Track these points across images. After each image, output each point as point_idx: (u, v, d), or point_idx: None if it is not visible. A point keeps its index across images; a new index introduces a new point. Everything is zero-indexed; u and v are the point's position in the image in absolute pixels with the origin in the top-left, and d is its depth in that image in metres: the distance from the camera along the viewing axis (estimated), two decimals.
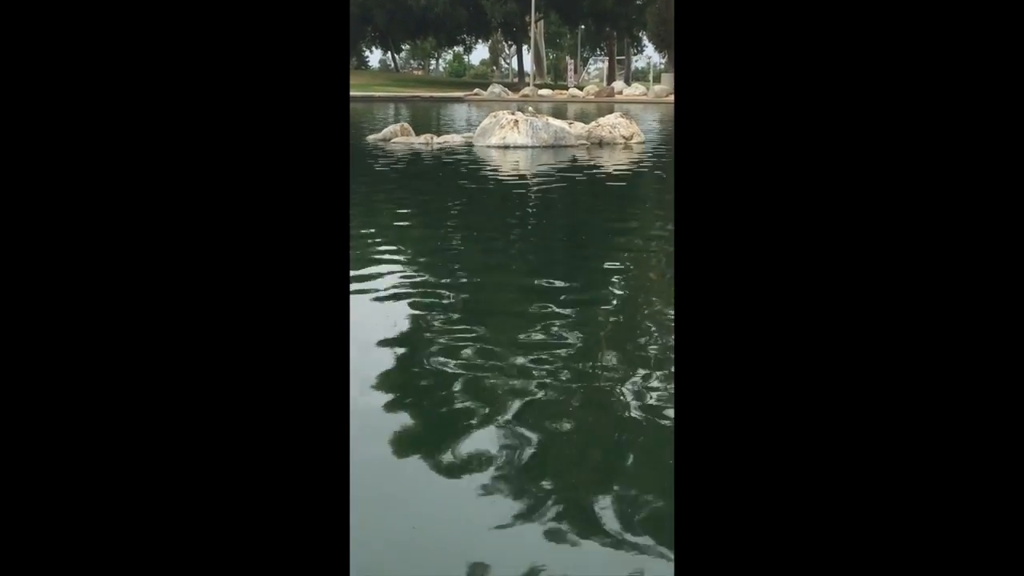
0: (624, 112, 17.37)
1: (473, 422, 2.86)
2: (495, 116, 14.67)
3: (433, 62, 78.69)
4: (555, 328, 3.95)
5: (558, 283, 4.96)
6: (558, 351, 3.62)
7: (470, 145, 14.12)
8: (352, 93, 35.41)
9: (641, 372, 3.34)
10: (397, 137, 14.80)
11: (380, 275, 5.01)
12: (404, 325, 3.98)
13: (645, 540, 2.12)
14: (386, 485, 2.48)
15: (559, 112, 23.02)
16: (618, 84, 48.29)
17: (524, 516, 2.25)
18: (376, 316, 4.17)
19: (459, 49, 68.09)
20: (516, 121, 14.09)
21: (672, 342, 3.74)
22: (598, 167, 11.74)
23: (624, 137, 14.93)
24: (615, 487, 2.41)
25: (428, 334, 3.86)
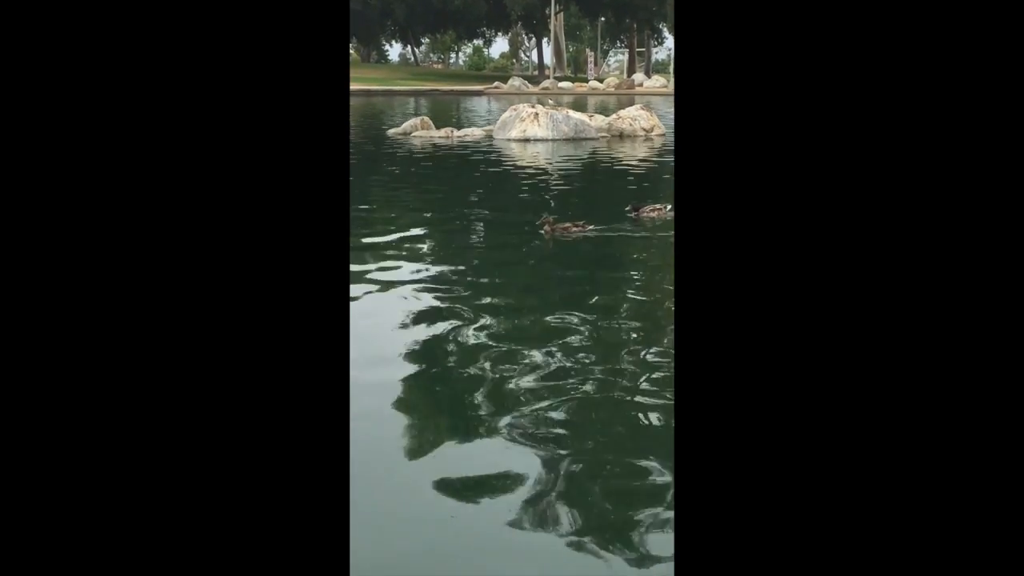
0: (645, 104, 17.26)
1: (484, 412, 2.89)
2: (515, 109, 14.63)
3: (453, 56, 78.45)
4: (573, 313, 3.96)
5: (572, 273, 4.97)
6: (575, 336, 3.64)
7: (490, 138, 14.09)
8: (372, 87, 35.36)
9: (652, 360, 3.35)
10: (417, 131, 14.80)
11: (395, 268, 5.05)
12: (421, 313, 4.00)
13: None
14: (390, 476, 2.51)
15: (579, 105, 22.92)
16: (638, 76, 47.88)
17: (533, 520, 2.27)
18: (391, 304, 4.20)
19: (479, 42, 67.82)
20: (536, 114, 14.05)
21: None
22: (619, 160, 11.70)
23: (645, 129, 14.84)
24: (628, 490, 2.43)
25: (444, 322, 3.89)
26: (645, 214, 6.62)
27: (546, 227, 5.98)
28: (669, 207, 6.72)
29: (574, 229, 6.01)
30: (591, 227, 6.12)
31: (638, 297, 4.60)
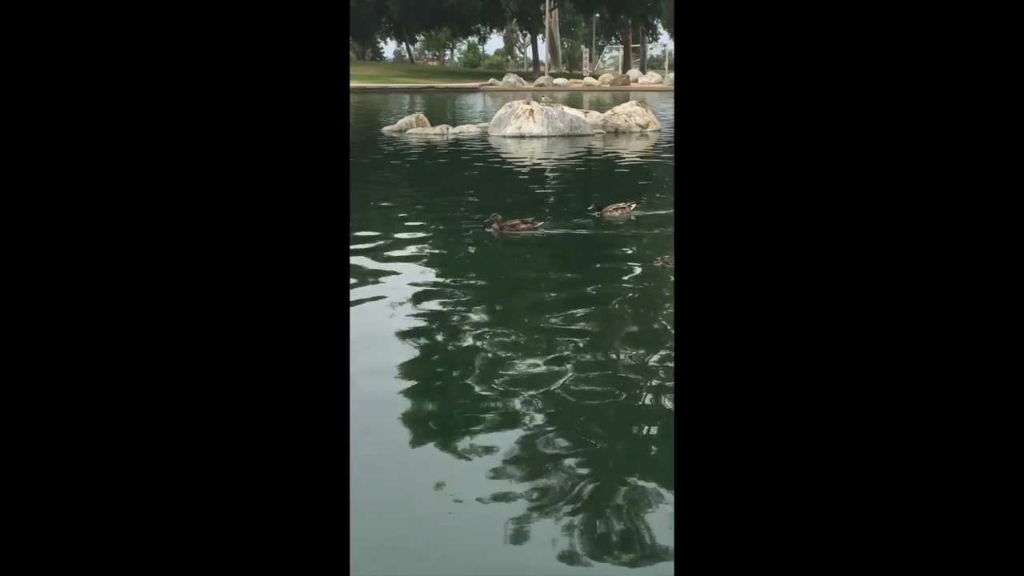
0: (640, 100, 17.28)
1: (483, 409, 2.89)
2: (510, 106, 14.64)
3: (448, 53, 78.29)
4: (570, 308, 3.97)
5: (574, 271, 4.99)
6: (573, 329, 3.64)
7: (486, 135, 14.10)
8: (367, 85, 35.28)
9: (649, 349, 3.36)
10: (412, 128, 14.80)
11: (383, 267, 5.08)
12: (420, 310, 4.01)
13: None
14: (394, 466, 2.51)
15: (574, 101, 22.92)
16: (633, 72, 47.86)
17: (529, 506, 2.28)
18: (379, 303, 4.22)
19: (474, 39, 67.69)
20: (531, 111, 14.06)
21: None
22: (614, 155, 11.70)
23: (640, 125, 14.86)
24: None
25: (444, 314, 3.89)
26: (608, 213, 6.67)
27: (494, 225, 6.00)
28: (633, 206, 6.82)
29: (523, 227, 6.02)
30: (540, 224, 6.14)
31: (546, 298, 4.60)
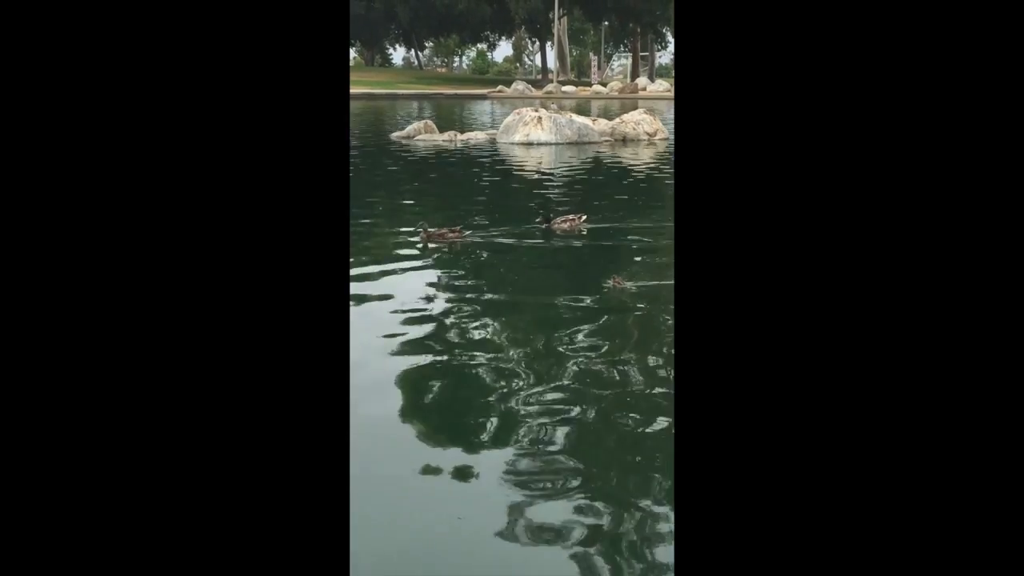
0: (648, 108, 17.29)
1: (488, 414, 2.91)
2: (519, 113, 14.65)
3: (457, 59, 78.40)
4: (574, 315, 3.98)
5: (581, 277, 4.99)
6: (577, 337, 3.65)
7: (494, 142, 14.13)
8: (376, 91, 35.39)
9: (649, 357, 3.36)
10: (421, 134, 14.83)
11: (401, 274, 5.12)
12: (428, 315, 4.03)
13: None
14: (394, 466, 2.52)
15: (583, 109, 22.95)
16: (642, 80, 47.89)
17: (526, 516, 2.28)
18: (383, 305, 4.24)
19: (483, 46, 67.81)
20: (540, 118, 14.07)
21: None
22: (621, 163, 11.71)
23: (648, 133, 14.86)
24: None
25: (451, 320, 3.91)
26: (556, 225, 6.45)
27: (422, 233, 5.98)
28: (584, 218, 6.61)
29: (450, 235, 5.99)
30: (468, 233, 6.11)
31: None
